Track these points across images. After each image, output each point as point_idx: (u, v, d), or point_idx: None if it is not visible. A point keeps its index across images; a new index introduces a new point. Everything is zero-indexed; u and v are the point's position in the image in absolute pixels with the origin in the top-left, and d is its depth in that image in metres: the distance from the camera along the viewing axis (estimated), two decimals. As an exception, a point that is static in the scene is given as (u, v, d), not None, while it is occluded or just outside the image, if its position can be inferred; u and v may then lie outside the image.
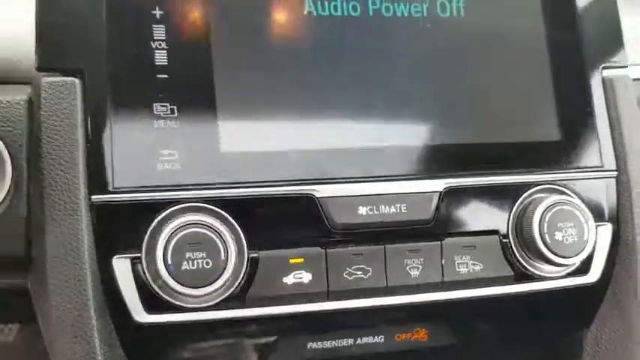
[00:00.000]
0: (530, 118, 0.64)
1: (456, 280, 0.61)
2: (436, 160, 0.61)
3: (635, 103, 0.68)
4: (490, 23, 0.65)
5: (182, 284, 0.52)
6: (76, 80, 0.55)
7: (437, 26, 0.63)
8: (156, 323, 0.55)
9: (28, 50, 0.57)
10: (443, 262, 0.60)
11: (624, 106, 0.67)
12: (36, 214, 0.56)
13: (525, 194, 0.63)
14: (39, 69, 0.55)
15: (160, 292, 0.54)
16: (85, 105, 0.55)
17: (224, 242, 0.53)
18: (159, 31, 0.56)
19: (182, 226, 0.53)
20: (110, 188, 0.54)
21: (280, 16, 0.60)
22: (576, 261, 0.62)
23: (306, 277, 0.57)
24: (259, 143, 0.58)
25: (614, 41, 0.69)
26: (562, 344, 0.73)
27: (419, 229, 0.60)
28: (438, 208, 0.60)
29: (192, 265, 0.52)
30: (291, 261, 0.57)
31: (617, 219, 0.66)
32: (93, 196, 0.54)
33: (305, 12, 0.61)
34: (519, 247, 0.62)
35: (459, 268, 0.61)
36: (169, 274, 0.52)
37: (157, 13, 0.56)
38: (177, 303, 0.54)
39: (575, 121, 0.65)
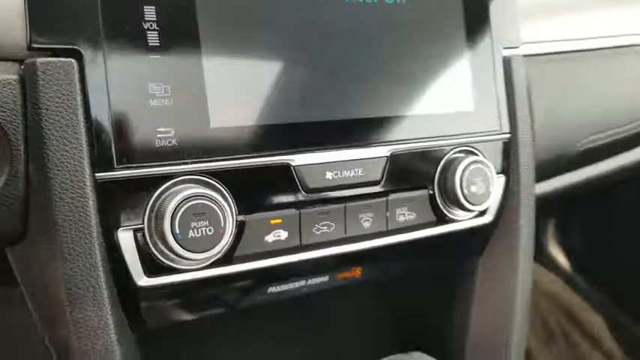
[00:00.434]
0: (452, 93, 0.77)
1: (396, 228, 0.74)
2: (384, 129, 0.72)
3: (525, 78, 0.84)
4: (424, 12, 0.74)
5: (189, 250, 0.58)
6: (74, 61, 0.56)
7: (383, 11, 0.71)
8: (154, 285, 0.61)
9: (12, 26, 0.55)
10: (387, 214, 0.73)
11: (517, 80, 0.82)
12: (36, 195, 0.57)
13: (447, 156, 0.76)
14: (30, 48, 0.55)
15: (162, 258, 0.59)
16: (83, 86, 0.56)
17: (222, 211, 0.60)
18: (150, 13, 0.58)
19: (186, 199, 0.58)
20: (114, 165, 0.57)
21: None
22: (484, 207, 0.78)
23: (283, 234, 0.66)
24: (244, 118, 0.63)
25: (511, 24, 0.83)
26: (462, 268, 0.91)
27: (370, 188, 0.71)
28: (384, 169, 0.72)
29: (197, 233, 0.58)
30: (272, 222, 0.65)
31: (508, 172, 0.83)
32: (97, 174, 0.57)
33: None
34: (442, 198, 0.76)
35: (398, 217, 0.74)
36: (177, 242, 0.58)
37: None
38: (176, 266, 0.60)
39: (484, 95, 0.79)
